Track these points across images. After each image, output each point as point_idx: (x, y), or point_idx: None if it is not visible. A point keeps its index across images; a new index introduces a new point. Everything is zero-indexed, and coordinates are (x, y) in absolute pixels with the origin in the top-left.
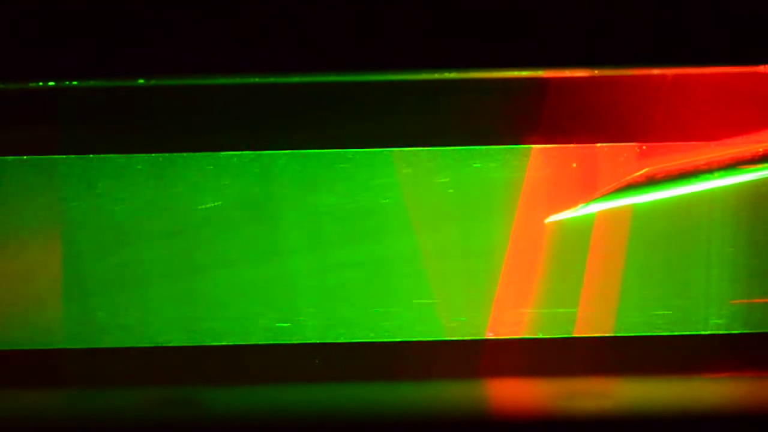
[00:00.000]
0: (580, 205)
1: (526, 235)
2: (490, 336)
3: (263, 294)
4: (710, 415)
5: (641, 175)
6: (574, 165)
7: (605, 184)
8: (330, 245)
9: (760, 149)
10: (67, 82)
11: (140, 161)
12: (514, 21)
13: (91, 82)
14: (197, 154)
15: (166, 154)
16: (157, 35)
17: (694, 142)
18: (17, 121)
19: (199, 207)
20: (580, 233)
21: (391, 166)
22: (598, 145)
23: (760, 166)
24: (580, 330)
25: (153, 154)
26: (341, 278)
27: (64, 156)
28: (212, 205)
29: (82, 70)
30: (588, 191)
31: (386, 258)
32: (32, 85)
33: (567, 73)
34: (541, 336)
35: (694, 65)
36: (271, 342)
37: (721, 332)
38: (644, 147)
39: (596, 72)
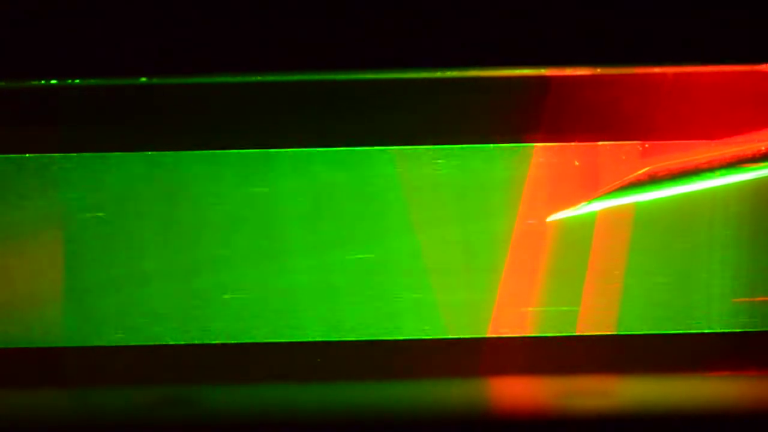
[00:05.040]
0: (582, 204)
1: (527, 234)
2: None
3: None
4: (710, 414)
5: (643, 173)
6: (576, 163)
7: (607, 182)
8: None
9: (762, 148)
10: (69, 81)
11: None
12: (515, 20)
13: (91, 82)
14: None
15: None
16: (157, 35)
17: (695, 141)
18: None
19: None
20: (581, 231)
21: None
22: (600, 143)
23: (761, 164)
24: (582, 328)
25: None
26: None
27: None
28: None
29: (82, 70)
30: (590, 189)
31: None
32: (33, 84)
33: (568, 71)
34: (542, 334)
35: (695, 65)
36: (272, 341)
37: (722, 331)
38: (646, 145)
39: (598, 70)
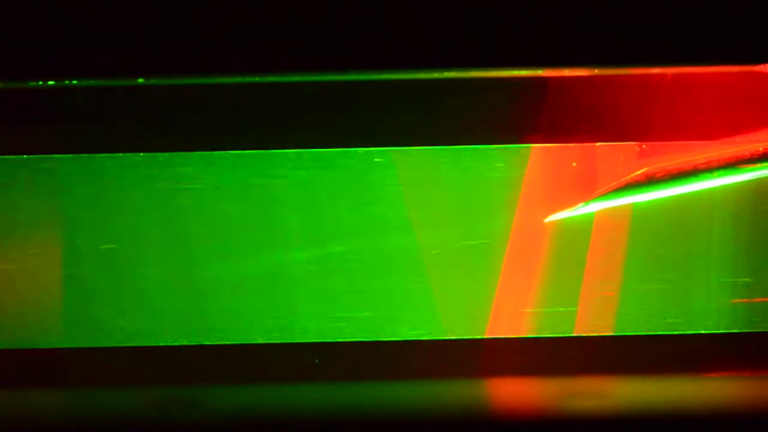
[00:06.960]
0: (580, 205)
1: (525, 235)
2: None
3: None
4: (710, 415)
5: (641, 174)
6: (574, 164)
7: (605, 183)
8: None
9: (760, 148)
10: (67, 82)
11: None
12: (514, 20)
13: (91, 82)
14: None
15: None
16: (157, 35)
17: (693, 142)
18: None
19: None
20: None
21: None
22: (598, 144)
23: (759, 165)
24: (580, 329)
25: None
26: None
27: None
28: None
29: (82, 70)
30: (588, 190)
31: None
32: (32, 84)
33: (567, 72)
34: (541, 335)
35: (694, 65)
36: (272, 342)
37: (721, 332)
38: (644, 146)
39: (596, 71)
